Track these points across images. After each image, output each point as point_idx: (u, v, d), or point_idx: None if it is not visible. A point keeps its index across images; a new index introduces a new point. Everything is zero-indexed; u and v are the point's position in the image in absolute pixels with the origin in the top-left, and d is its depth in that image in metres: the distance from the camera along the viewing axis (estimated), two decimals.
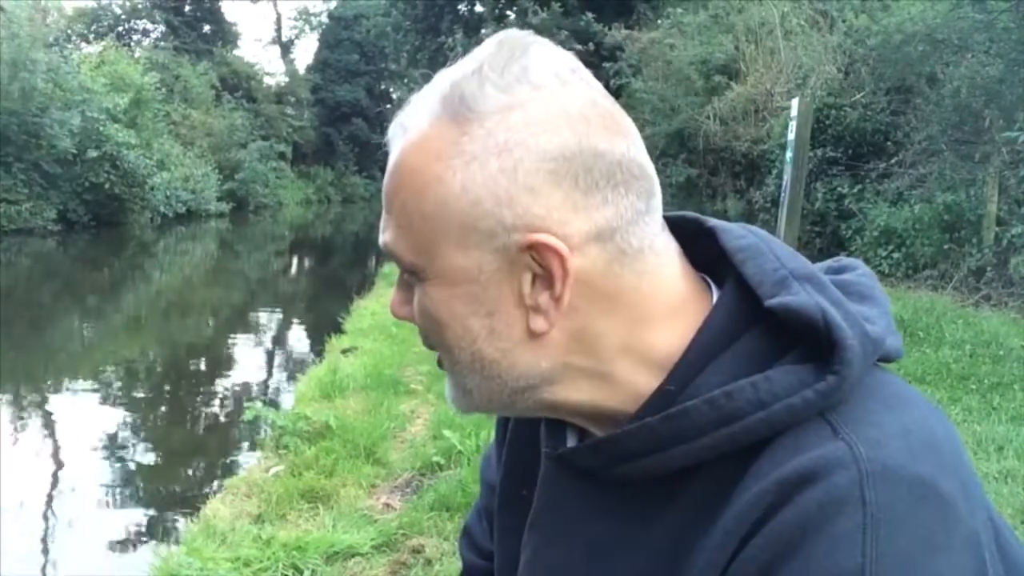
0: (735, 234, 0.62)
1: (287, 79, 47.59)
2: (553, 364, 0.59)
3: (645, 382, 0.59)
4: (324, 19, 50.11)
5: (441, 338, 0.61)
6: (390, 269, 12.58)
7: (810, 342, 0.54)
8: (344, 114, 46.52)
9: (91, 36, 34.34)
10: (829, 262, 0.67)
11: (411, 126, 0.59)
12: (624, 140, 0.58)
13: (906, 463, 0.50)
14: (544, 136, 0.55)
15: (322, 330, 8.40)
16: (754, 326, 0.57)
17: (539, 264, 0.56)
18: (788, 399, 0.53)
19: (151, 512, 4.66)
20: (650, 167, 0.60)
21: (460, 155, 0.56)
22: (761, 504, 0.50)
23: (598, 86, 0.60)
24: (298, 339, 10.88)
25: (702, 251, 0.63)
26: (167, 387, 7.86)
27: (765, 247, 0.60)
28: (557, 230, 0.56)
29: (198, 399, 7.42)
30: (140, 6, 38.35)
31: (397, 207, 0.59)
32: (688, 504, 0.56)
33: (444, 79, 0.59)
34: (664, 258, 0.60)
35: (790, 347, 0.55)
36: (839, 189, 10.55)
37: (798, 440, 0.52)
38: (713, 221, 0.64)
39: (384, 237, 0.61)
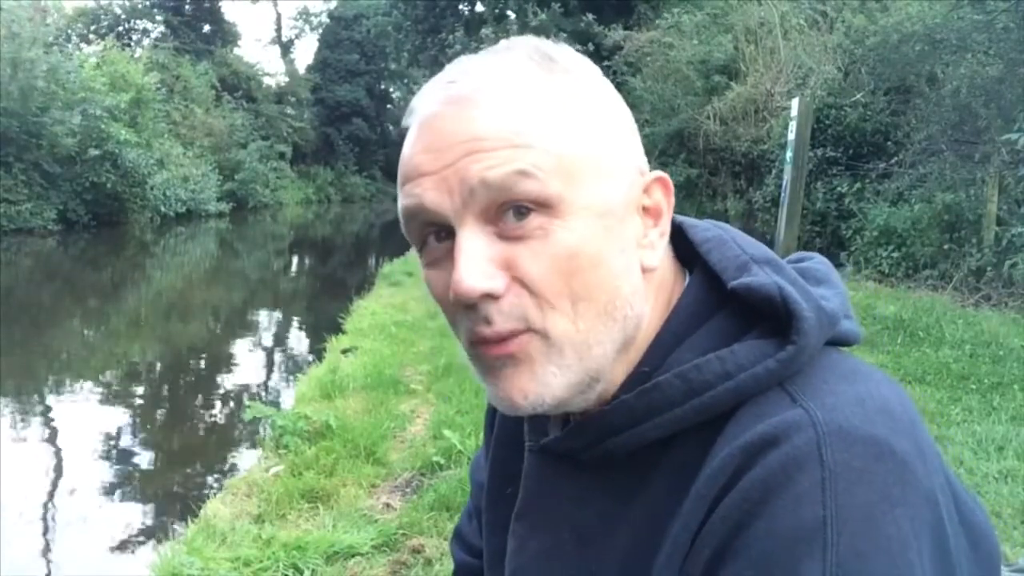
0: (701, 227, 0.67)
1: (287, 79, 47.55)
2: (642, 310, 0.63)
3: (624, 360, 0.63)
4: (324, 19, 50.11)
5: (584, 280, 0.57)
6: (390, 269, 12.56)
7: (771, 320, 0.58)
8: (344, 114, 46.48)
9: (91, 36, 34.30)
10: (791, 256, 0.72)
11: (494, 76, 0.58)
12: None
13: (861, 424, 0.52)
14: (613, 94, 0.63)
15: (322, 330, 8.39)
16: (721, 309, 0.61)
17: (651, 201, 0.63)
18: (752, 369, 0.56)
19: (151, 512, 4.65)
20: None
21: (575, 96, 0.60)
22: (728, 468, 0.53)
23: None
24: (298, 339, 10.85)
25: (675, 248, 0.68)
26: (167, 387, 7.85)
27: (728, 237, 0.65)
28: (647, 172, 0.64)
29: (198, 399, 7.41)
30: (140, 6, 38.29)
31: (527, 133, 0.56)
32: (664, 476, 0.59)
33: (503, 47, 0.61)
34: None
35: (754, 326, 0.59)
36: (839, 189, 10.55)
37: (759, 408, 0.55)
38: (680, 218, 0.68)
39: (499, 170, 0.55)
